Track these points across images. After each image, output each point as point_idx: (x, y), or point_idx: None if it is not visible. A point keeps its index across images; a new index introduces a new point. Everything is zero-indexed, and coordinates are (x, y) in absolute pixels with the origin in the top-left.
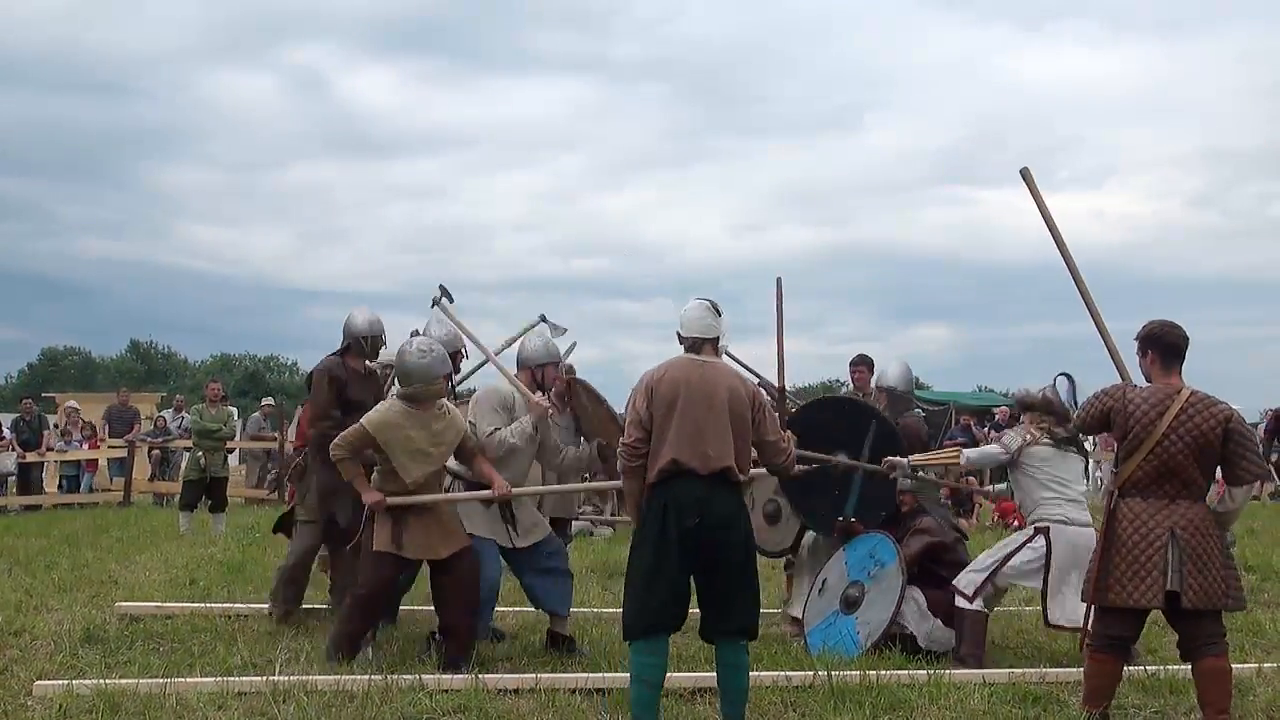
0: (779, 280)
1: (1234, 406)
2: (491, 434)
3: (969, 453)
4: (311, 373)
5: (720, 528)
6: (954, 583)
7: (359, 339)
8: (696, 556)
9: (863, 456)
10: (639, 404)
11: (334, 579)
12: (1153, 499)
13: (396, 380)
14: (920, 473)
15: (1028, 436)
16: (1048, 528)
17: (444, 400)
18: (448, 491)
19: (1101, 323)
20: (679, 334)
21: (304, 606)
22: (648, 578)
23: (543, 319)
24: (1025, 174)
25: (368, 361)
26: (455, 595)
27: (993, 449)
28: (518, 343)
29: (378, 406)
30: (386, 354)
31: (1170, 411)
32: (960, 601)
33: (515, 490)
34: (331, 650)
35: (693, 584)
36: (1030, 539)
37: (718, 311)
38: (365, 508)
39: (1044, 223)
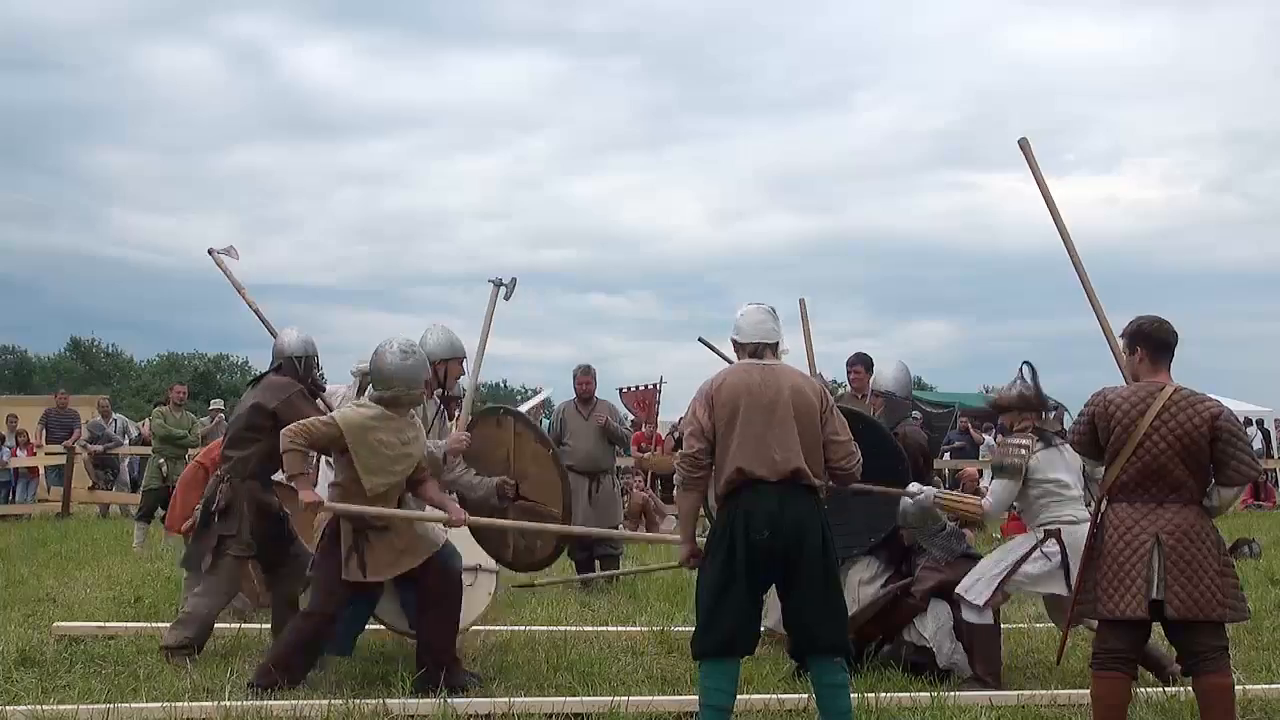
0: (802, 302)
1: (1225, 404)
2: None
3: (989, 503)
4: (262, 390)
5: (794, 538)
6: (960, 592)
7: (293, 359)
8: (770, 572)
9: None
10: (699, 414)
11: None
12: (1139, 504)
13: (371, 384)
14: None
15: (1024, 449)
16: (1059, 530)
17: (414, 413)
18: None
19: (1104, 318)
20: (735, 341)
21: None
22: (716, 596)
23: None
24: (1024, 145)
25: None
26: (431, 606)
27: (1004, 487)
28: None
29: (351, 405)
30: (363, 362)
31: (1152, 410)
32: (969, 614)
33: (471, 519)
34: (262, 679)
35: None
36: (1040, 543)
37: (775, 316)
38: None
39: (1044, 202)
